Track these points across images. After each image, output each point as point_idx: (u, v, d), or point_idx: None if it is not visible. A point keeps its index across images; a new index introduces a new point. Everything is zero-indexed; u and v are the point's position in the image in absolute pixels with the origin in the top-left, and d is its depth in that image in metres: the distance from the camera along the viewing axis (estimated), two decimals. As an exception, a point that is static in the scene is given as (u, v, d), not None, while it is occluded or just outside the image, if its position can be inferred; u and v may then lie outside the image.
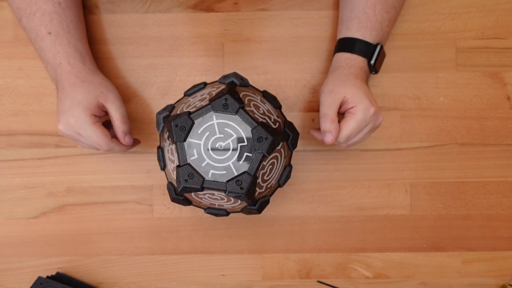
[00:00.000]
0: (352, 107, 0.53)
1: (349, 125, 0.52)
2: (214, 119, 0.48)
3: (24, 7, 0.56)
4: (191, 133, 0.48)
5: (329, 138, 0.52)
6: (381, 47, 0.58)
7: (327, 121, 0.52)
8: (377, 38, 0.57)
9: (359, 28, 0.57)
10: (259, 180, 0.49)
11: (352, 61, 0.57)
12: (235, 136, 0.48)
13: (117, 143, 0.55)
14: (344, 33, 0.58)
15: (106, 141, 0.54)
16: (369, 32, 0.57)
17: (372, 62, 0.57)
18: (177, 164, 0.48)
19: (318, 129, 0.56)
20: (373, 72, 0.59)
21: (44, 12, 0.55)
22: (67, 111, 0.53)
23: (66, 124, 0.53)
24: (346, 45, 0.58)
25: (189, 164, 0.48)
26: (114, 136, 0.56)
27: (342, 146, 0.55)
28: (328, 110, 0.53)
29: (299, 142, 0.63)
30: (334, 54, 0.60)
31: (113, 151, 0.55)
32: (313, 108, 0.64)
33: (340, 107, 0.54)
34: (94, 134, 0.53)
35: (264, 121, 0.49)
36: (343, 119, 0.53)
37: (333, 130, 0.52)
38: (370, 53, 0.57)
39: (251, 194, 0.48)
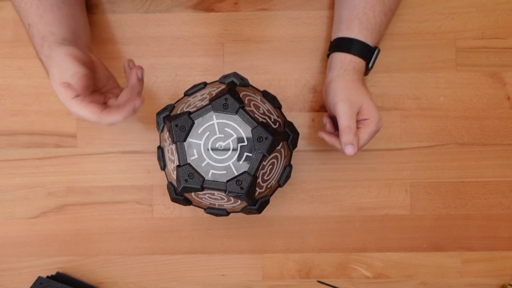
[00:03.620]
0: (366, 119, 0.54)
1: (364, 137, 0.53)
2: (214, 119, 0.48)
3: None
4: (191, 133, 0.48)
5: (352, 151, 0.51)
6: (379, 51, 0.58)
7: (351, 133, 0.52)
8: (375, 41, 0.57)
9: (360, 29, 0.56)
10: (259, 180, 0.49)
11: (356, 64, 0.56)
12: (235, 136, 0.48)
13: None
14: (345, 32, 0.57)
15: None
16: (370, 35, 0.56)
17: (370, 65, 0.58)
18: (177, 164, 0.48)
19: (329, 132, 0.57)
20: (365, 75, 0.60)
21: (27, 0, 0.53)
22: None
23: None
24: (347, 45, 0.57)
25: (189, 164, 0.48)
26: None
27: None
28: (351, 122, 0.52)
29: (299, 142, 0.63)
30: (330, 53, 0.59)
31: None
32: (313, 108, 0.64)
33: None
34: None
35: (264, 121, 0.49)
36: (358, 129, 0.54)
37: (355, 142, 0.52)
38: (369, 56, 0.57)
39: (251, 194, 0.48)
